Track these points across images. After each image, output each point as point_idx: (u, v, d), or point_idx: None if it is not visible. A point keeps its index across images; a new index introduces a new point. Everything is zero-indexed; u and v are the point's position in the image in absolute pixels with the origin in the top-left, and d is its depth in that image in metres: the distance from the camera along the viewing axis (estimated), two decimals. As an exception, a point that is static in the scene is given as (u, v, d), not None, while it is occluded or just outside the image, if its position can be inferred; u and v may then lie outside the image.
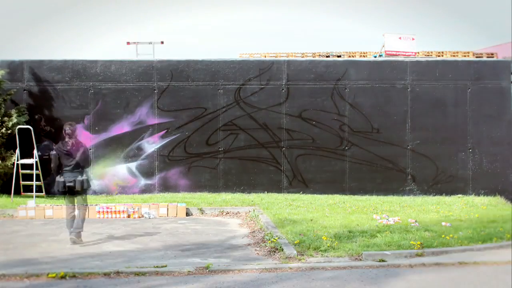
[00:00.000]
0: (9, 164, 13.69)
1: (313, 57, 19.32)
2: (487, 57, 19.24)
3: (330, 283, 6.83)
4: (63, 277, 7.01)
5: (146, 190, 14.57)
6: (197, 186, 14.65)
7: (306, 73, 14.88)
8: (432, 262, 7.76)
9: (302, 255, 8.12)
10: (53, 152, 9.17)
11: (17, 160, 13.55)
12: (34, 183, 13.31)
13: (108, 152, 14.58)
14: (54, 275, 7.04)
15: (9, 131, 13.69)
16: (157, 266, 7.48)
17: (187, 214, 12.35)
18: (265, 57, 19.42)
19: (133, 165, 14.66)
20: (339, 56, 19.69)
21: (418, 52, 18.62)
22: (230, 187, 14.70)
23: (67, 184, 8.98)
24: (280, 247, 8.50)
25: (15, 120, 13.69)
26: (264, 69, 14.85)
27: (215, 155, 14.75)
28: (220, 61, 14.90)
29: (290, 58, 18.34)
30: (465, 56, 18.91)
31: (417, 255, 8.14)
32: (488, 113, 14.98)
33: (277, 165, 14.80)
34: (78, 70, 14.68)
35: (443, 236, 9.05)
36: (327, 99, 14.85)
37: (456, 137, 14.95)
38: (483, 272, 7.36)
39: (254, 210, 12.10)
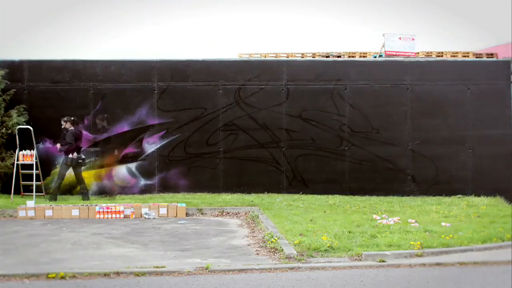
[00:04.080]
0: (9, 164, 13.70)
1: (313, 57, 19.28)
2: (487, 57, 19.18)
3: (330, 283, 6.82)
4: (63, 277, 7.01)
5: (146, 190, 14.55)
6: (197, 187, 14.63)
7: (306, 73, 14.86)
8: (432, 262, 7.76)
9: (302, 255, 8.11)
10: None
11: (17, 160, 13.54)
12: (34, 183, 13.30)
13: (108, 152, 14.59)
14: (54, 275, 7.04)
15: (9, 131, 13.69)
16: (157, 267, 7.47)
17: (187, 214, 12.34)
18: (265, 57, 19.39)
19: (133, 165, 14.65)
20: (339, 56, 19.65)
21: (418, 53, 18.58)
22: (230, 187, 14.68)
23: None
24: (280, 247, 8.49)
25: (15, 120, 13.68)
26: (264, 69, 14.83)
27: (215, 155, 14.74)
28: (220, 61, 14.89)
29: (290, 58, 18.31)
30: (465, 56, 18.86)
31: (417, 255, 8.14)
32: (488, 113, 14.96)
33: (277, 165, 14.79)
34: (78, 70, 14.66)
35: (443, 236, 9.05)
36: (327, 99, 14.84)
37: (456, 137, 14.93)
38: (483, 272, 7.36)
39: (254, 211, 12.11)
